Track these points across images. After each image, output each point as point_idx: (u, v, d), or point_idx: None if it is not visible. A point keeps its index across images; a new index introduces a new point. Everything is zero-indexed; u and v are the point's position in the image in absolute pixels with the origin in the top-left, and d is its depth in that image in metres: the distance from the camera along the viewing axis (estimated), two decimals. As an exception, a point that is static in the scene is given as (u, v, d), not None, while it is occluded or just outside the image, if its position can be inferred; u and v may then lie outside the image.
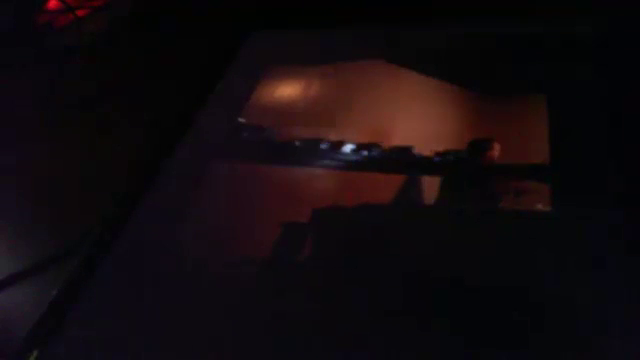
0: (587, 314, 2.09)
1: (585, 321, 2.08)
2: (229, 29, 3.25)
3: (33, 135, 3.10)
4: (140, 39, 3.52)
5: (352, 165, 3.83)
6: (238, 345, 2.35)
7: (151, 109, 3.08)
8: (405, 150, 3.92)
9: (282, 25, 3.28)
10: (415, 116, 4.36)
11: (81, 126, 3.11)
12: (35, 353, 2.25)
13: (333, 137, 3.84)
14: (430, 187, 3.73)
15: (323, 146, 3.81)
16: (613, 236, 2.16)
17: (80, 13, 3.92)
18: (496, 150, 3.69)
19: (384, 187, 3.84)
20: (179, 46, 3.35)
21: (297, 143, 3.83)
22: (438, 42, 3.25)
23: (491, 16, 2.70)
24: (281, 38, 3.41)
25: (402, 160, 3.90)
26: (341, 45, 3.47)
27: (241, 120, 3.53)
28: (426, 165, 3.89)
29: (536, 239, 2.53)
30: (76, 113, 3.18)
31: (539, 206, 3.39)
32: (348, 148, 3.83)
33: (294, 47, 3.52)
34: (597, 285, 2.12)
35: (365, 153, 3.88)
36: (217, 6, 3.40)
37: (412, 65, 4.14)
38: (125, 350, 2.34)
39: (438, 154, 3.89)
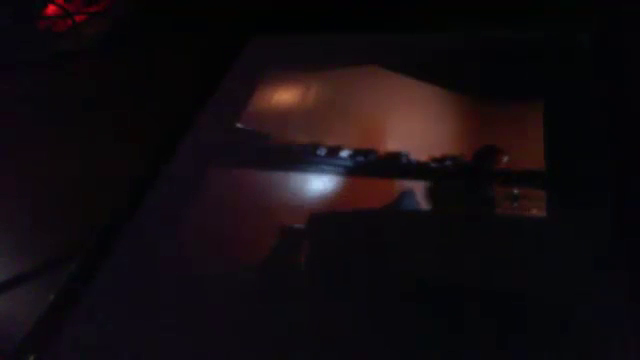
0: (586, 317, 2.09)
1: (583, 323, 2.08)
2: (227, 34, 3.26)
3: (33, 136, 3.10)
4: (139, 43, 3.52)
5: (349, 170, 3.83)
6: (236, 347, 2.35)
7: (150, 112, 3.08)
8: (402, 155, 3.93)
9: (281, 29, 3.29)
10: (413, 121, 4.37)
11: (80, 128, 3.11)
12: (33, 356, 2.25)
13: (330, 142, 3.84)
14: (427, 192, 3.73)
15: (320, 151, 3.81)
16: (611, 240, 2.16)
17: (78, 19, 3.94)
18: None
19: (381, 192, 3.85)
20: (178, 50, 3.36)
21: (294, 148, 3.83)
22: (436, 46, 3.26)
23: (489, 19, 2.71)
24: (280, 43, 3.42)
25: (399, 165, 3.90)
26: (340, 50, 3.48)
27: (239, 124, 3.53)
28: (423, 170, 3.89)
29: (533, 244, 2.53)
30: (75, 115, 3.18)
31: (535, 211, 3.41)
32: (345, 153, 3.84)
33: (293, 52, 3.53)
34: (596, 289, 2.12)
35: (362, 158, 3.88)
36: (216, 10, 3.41)
37: (410, 70, 4.15)
38: (124, 352, 2.34)
39: (435, 159, 3.90)
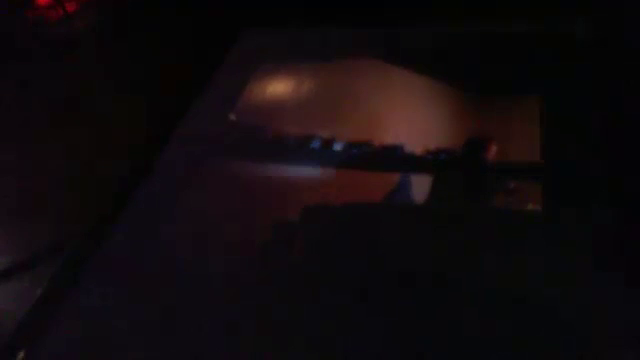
0: (585, 315, 2.08)
1: (580, 322, 2.07)
2: (221, 27, 3.23)
3: (20, 134, 3.08)
4: (130, 36, 3.49)
5: (343, 163, 3.81)
6: (230, 344, 2.34)
7: (141, 108, 3.06)
8: (397, 148, 3.91)
9: (274, 23, 3.27)
10: (407, 115, 4.35)
11: (69, 124, 3.09)
12: (22, 353, 2.23)
13: (324, 135, 3.82)
14: (422, 186, 3.71)
15: (314, 144, 3.79)
16: (606, 235, 2.16)
17: (69, 8, 3.90)
18: (492, 151, 3.67)
19: (376, 185, 3.83)
20: (170, 44, 3.33)
21: (288, 141, 3.81)
22: (433, 41, 3.25)
23: (488, 16, 2.70)
24: (273, 36, 3.40)
25: (394, 158, 3.89)
26: (333, 43, 3.46)
27: (233, 118, 3.51)
28: (418, 163, 3.88)
29: (527, 239, 2.53)
30: (64, 111, 3.16)
31: (530, 205, 3.40)
32: (339, 146, 3.81)
33: (286, 45, 3.51)
34: (592, 285, 2.11)
35: (356, 151, 3.86)
36: (209, 3, 3.38)
37: (405, 64, 4.13)
38: (115, 348, 2.32)
39: (430, 152, 3.88)
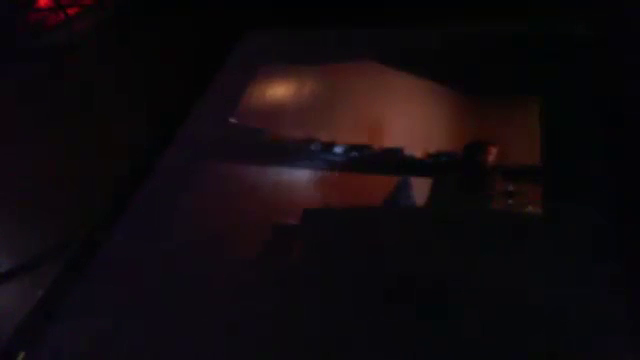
0: (584, 314, 2.07)
1: (580, 322, 2.07)
2: (222, 27, 3.23)
3: (18, 134, 3.08)
4: (132, 38, 3.50)
5: (343, 166, 3.80)
6: (230, 344, 2.33)
7: (142, 110, 3.06)
8: (397, 151, 3.91)
9: (275, 24, 3.27)
10: (408, 117, 4.35)
11: (69, 125, 3.09)
12: (22, 354, 2.23)
13: (325, 138, 3.82)
14: (422, 188, 3.71)
15: (314, 147, 3.79)
16: (605, 236, 2.15)
17: (71, 12, 3.91)
18: (492, 154, 3.66)
19: (375, 188, 3.82)
20: (171, 46, 3.33)
21: (289, 144, 3.81)
22: (433, 43, 3.25)
23: (488, 16, 2.70)
24: (274, 37, 3.40)
25: (394, 161, 3.88)
26: (335, 45, 3.46)
27: (233, 120, 3.51)
28: (418, 166, 3.87)
29: (527, 240, 2.52)
30: (65, 112, 3.16)
31: (530, 207, 3.39)
32: (340, 149, 3.81)
33: (287, 47, 3.51)
34: (591, 285, 2.11)
35: (357, 154, 3.86)
36: (211, 5, 3.38)
37: (405, 66, 4.13)
38: (114, 351, 2.32)
39: (430, 155, 3.87)
